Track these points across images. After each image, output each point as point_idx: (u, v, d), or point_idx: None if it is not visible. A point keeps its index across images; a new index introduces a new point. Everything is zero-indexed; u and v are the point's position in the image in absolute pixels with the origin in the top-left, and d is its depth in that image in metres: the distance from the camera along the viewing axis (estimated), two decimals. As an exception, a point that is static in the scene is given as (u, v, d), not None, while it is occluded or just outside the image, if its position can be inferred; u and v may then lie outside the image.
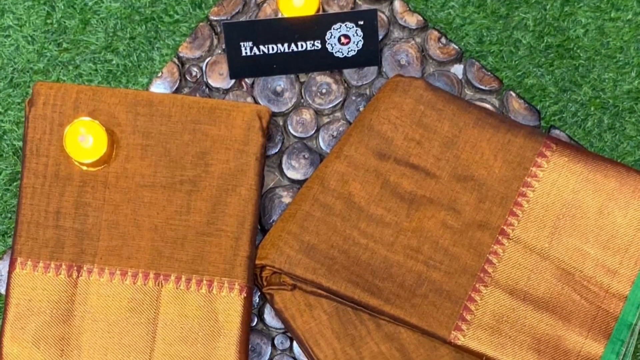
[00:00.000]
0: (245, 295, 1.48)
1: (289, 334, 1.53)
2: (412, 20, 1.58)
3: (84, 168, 1.49)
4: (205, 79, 1.57)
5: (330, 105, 1.57)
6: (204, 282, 1.48)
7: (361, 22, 1.54)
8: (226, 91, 1.57)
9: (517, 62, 1.61)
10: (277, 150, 1.56)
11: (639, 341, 1.54)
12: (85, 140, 1.46)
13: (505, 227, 1.50)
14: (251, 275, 1.49)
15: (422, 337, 1.49)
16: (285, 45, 1.55)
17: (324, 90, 1.57)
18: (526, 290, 1.48)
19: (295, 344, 1.53)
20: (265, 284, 1.50)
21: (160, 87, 1.56)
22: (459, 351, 1.49)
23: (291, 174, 1.55)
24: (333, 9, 1.58)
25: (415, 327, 1.48)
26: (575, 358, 1.47)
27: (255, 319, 1.53)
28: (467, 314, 1.47)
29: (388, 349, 1.49)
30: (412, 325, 1.48)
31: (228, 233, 1.49)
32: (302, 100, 1.57)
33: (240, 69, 1.56)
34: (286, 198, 1.55)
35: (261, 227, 1.54)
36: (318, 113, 1.57)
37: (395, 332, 1.50)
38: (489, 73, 1.57)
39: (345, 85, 1.58)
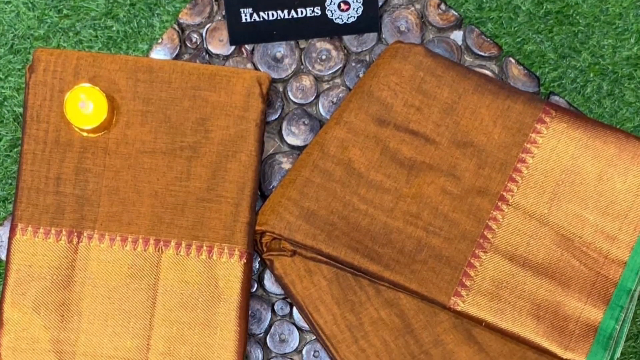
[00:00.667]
0: (245, 261, 1.48)
1: (288, 300, 1.53)
2: (412, -14, 1.58)
3: (84, 134, 1.49)
4: (205, 46, 1.57)
5: (330, 72, 1.57)
6: (204, 248, 1.48)
7: (361, -11, 1.54)
8: (226, 57, 1.57)
9: (516, 29, 1.61)
10: (277, 116, 1.56)
11: (638, 307, 1.55)
12: (85, 107, 1.46)
13: (504, 193, 1.50)
14: (251, 241, 1.49)
15: (422, 303, 1.50)
16: (285, 11, 1.55)
17: (323, 57, 1.57)
18: (525, 256, 1.48)
19: (295, 309, 1.53)
20: (265, 249, 1.51)
21: (160, 53, 1.56)
22: (459, 317, 1.49)
23: (291, 140, 1.55)
24: (333, -24, 1.58)
25: (415, 293, 1.48)
26: (574, 324, 1.47)
27: (255, 285, 1.54)
28: (467, 280, 1.48)
29: (388, 314, 1.50)
30: (411, 291, 1.48)
31: (228, 199, 1.49)
32: (302, 67, 1.57)
33: (240, 35, 1.56)
34: (286, 164, 1.55)
35: (261, 193, 1.54)
36: (318, 79, 1.57)
37: (394, 298, 1.50)
38: (489, 39, 1.57)
39: (345, 51, 1.57)
